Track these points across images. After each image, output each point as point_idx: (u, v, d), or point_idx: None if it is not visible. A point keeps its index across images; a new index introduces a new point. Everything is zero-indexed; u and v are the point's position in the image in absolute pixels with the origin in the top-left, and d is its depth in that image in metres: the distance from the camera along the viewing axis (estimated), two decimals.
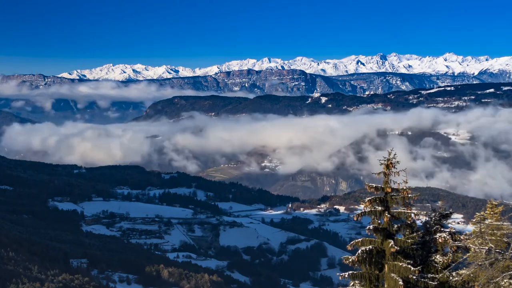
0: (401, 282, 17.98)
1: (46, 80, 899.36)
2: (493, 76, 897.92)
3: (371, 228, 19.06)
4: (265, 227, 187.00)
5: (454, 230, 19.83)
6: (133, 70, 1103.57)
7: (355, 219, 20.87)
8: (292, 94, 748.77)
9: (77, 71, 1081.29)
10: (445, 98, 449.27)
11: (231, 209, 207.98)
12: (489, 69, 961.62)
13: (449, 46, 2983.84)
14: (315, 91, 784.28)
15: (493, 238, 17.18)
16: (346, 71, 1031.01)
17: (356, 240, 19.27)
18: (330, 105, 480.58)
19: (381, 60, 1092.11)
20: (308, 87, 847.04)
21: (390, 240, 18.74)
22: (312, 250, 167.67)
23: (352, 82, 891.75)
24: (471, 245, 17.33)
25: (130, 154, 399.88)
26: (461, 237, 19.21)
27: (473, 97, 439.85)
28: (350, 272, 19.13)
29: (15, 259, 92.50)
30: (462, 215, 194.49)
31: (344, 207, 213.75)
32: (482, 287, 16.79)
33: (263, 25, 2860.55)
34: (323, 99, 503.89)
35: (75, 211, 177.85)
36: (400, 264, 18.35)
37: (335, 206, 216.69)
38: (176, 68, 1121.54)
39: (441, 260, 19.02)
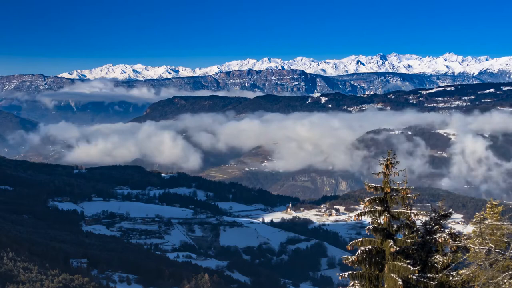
0: (400, 282, 17.98)
1: (46, 80, 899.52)
2: (493, 76, 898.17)
3: (370, 228, 19.06)
4: (265, 227, 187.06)
5: (454, 230, 19.82)
6: (133, 70, 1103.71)
7: (354, 219, 20.93)
8: (292, 94, 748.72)
9: (77, 71, 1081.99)
10: (445, 98, 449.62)
11: (231, 209, 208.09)
12: (489, 69, 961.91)
13: (449, 46, 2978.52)
14: (315, 91, 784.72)
15: (493, 238, 17.17)
16: (346, 71, 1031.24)
17: (356, 240, 19.27)
18: (330, 105, 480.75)
19: (381, 60, 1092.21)
20: (308, 87, 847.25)
21: (389, 240, 18.74)
22: (312, 250, 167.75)
23: (352, 82, 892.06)
24: (471, 245, 17.31)
25: (130, 154, 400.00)
26: (461, 237, 19.20)
27: (473, 97, 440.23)
28: (350, 272, 19.13)
29: (15, 259, 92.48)
30: (462, 215, 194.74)
31: (344, 207, 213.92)
32: (482, 287, 16.77)
33: (263, 25, 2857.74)
34: (323, 99, 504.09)
35: (75, 211, 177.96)
36: (400, 264, 18.34)
37: (335, 206, 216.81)
38: (176, 68, 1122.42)
39: (441, 260, 19.01)
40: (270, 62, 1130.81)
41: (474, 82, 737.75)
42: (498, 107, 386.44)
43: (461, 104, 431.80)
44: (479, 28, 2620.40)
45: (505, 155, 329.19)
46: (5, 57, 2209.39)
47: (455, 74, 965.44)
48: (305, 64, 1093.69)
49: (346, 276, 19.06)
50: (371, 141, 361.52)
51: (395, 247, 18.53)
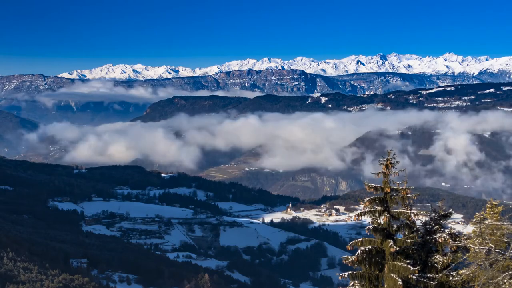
0: (400, 282, 17.96)
1: (46, 80, 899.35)
2: (493, 76, 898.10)
3: (370, 228, 19.06)
4: (265, 227, 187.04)
5: (454, 230, 19.81)
6: (133, 70, 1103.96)
7: (354, 219, 20.99)
8: (292, 94, 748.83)
9: (77, 71, 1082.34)
10: (445, 98, 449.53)
11: (231, 209, 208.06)
12: (489, 69, 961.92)
13: (449, 46, 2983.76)
14: (315, 91, 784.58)
15: (493, 238, 17.16)
16: (346, 71, 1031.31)
17: (356, 240, 19.26)
18: (330, 105, 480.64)
19: (381, 60, 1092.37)
20: (308, 87, 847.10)
21: (389, 240, 18.73)
22: (312, 250, 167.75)
23: (352, 82, 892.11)
24: (471, 245, 17.30)
25: (130, 154, 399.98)
26: (461, 237, 19.19)
27: (473, 97, 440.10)
28: (350, 272, 19.12)
29: (15, 259, 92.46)
30: (462, 215, 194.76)
31: (344, 207, 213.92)
32: (482, 287, 16.77)
33: (263, 25, 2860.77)
34: (323, 99, 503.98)
35: (75, 211, 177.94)
36: (400, 264, 18.33)
37: (335, 206, 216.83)
38: (176, 68, 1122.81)
39: (441, 260, 19.00)
40: (270, 62, 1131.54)
41: (474, 82, 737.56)
42: (498, 107, 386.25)
43: (461, 104, 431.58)
44: (479, 28, 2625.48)
45: (503, 154, 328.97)
46: (5, 57, 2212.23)
47: (455, 74, 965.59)
48: (305, 64, 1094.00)
49: (346, 276, 19.06)
50: (371, 141, 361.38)
51: (395, 247, 18.52)
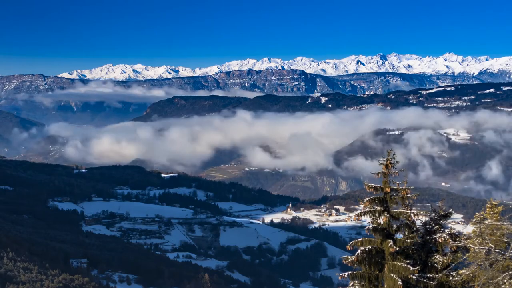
0: (400, 282, 17.96)
1: (46, 80, 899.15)
2: (493, 76, 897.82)
3: (370, 228, 19.06)
4: (265, 227, 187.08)
5: (454, 230, 19.81)
6: (133, 70, 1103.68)
7: (354, 219, 20.99)
8: (292, 94, 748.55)
9: (77, 71, 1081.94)
10: (445, 98, 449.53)
11: (231, 209, 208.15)
12: (489, 69, 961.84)
13: (449, 46, 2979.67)
14: (315, 91, 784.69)
15: (493, 238, 17.15)
16: (346, 71, 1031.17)
17: (356, 240, 19.26)
18: (330, 105, 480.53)
19: (381, 60, 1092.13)
20: (308, 87, 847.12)
21: (389, 240, 18.73)
22: (312, 250, 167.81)
23: (352, 82, 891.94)
24: (471, 245, 17.30)
25: (130, 154, 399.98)
26: (461, 237, 19.19)
27: (473, 97, 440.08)
28: (350, 272, 19.12)
29: (15, 259, 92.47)
30: (462, 215, 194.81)
31: (344, 207, 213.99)
32: (482, 287, 16.76)
33: (263, 25, 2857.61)
34: (323, 99, 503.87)
35: (75, 211, 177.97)
36: (400, 264, 18.33)
37: (335, 206, 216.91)
38: (176, 68, 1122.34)
39: (441, 260, 19.00)
40: (270, 62, 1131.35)
41: (474, 82, 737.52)
42: (498, 107, 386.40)
43: (461, 104, 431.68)
44: (479, 28, 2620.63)
45: (503, 154, 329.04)
46: (5, 57, 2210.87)
47: (455, 74, 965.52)
48: (305, 64, 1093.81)
49: (346, 276, 19.06)
50: (371, 141, 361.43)
51: (394, 247, 18.52)
